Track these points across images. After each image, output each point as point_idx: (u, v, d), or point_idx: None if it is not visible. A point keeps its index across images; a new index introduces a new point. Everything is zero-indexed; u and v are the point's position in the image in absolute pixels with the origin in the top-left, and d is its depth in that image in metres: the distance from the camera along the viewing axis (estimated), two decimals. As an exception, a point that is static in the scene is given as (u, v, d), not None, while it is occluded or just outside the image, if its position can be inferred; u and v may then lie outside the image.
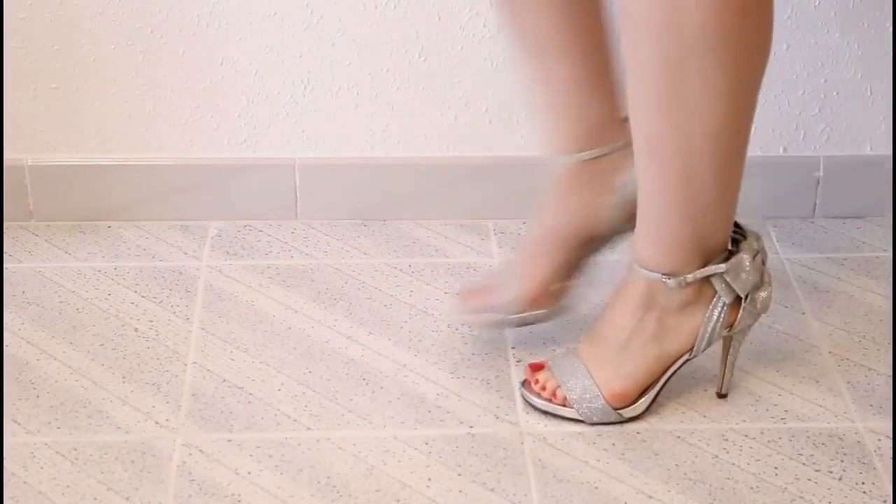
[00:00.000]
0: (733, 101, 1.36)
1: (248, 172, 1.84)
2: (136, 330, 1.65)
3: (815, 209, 1.88)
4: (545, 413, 1.52)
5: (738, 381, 1.58)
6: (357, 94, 1.81)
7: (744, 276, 1.46)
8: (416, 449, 1.48)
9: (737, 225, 1.48)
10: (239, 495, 1.41)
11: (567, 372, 1.51)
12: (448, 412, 1.53)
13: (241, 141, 1.83)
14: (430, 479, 1.44)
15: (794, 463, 1.47)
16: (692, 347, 1.48)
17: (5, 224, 1.83)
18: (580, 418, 1.50)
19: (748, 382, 1.58)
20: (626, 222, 1.52)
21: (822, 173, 1.86)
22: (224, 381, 1.57)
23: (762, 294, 1.48)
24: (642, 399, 1.50)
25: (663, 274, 1.44)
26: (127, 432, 1.49)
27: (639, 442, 1.49)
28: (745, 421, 1.52)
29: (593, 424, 1.50)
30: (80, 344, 1.62)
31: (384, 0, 1.75)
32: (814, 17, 1.78)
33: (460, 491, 1.42)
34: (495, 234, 1.84)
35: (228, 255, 1.79)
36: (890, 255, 1.80)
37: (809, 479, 1.44)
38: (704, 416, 1.53)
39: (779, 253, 1.81)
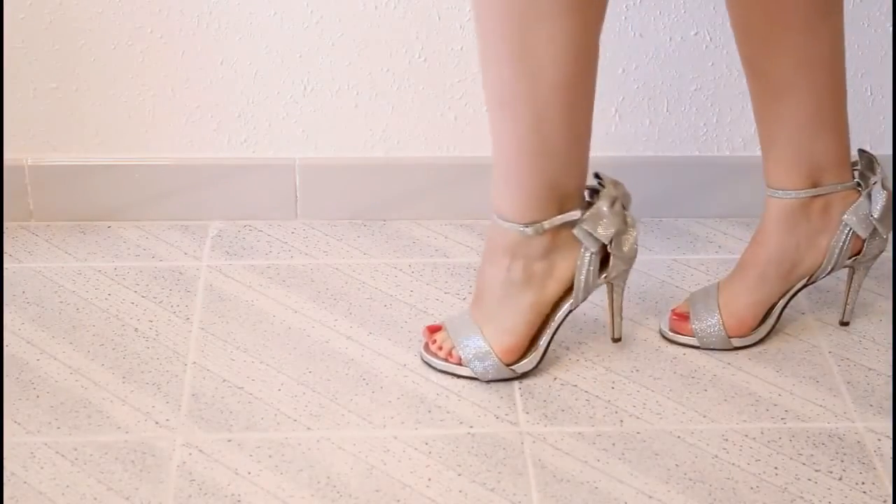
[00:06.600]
0: (578, 47, 1.39)
1: (248, 172, 1.84)
2: (136, 330, 1.65)
3: (815, 209, 1.88)
4: (444, 373, 1.56)
5: (739, 381, 1.58)
6: (357, 94, 1.81)
7: (604, 222, 1.48)
8: (416, 449, 1.47)
9: (598, 175, 1.51)
10: (239, 495, 1.41)
11: (461, 332, 1.54)
12: (448, 412, 1.53)
13: (241, 141, 1.83)
14: (430, 479, 1.44)
15: (794, 463, 1.46)
16: (572, 296, 1.51)
17: (5, 224, 1.83)
18: (476, 377, 1.55)
19: (748, 382, 1.58)
20: (847, 258, 1.58)
21: (822, 173, 1.86)
22: (224, 381, 1.57)
23: (627, 238, 1.51)
24: (532, 353, 1.54)
25: (522, 224, 1.48)
26: (127, 432, 1.49)
27: (639, 442, 1.49)
28: (745, 421, 1.52)
29: (489, 382, 1.55)
30: (80, 344, 1.62)
31: (384, 0, 1.75)
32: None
33: (460, 491, 1.42)
34: (495, 234, 1.84)
35: (228, 255, 1.79)
36: (890, 255, 1.80)
37: (809, 479, 1.44)
38: (704, 416, 1.53)
39: (779, 253, 1.81)
